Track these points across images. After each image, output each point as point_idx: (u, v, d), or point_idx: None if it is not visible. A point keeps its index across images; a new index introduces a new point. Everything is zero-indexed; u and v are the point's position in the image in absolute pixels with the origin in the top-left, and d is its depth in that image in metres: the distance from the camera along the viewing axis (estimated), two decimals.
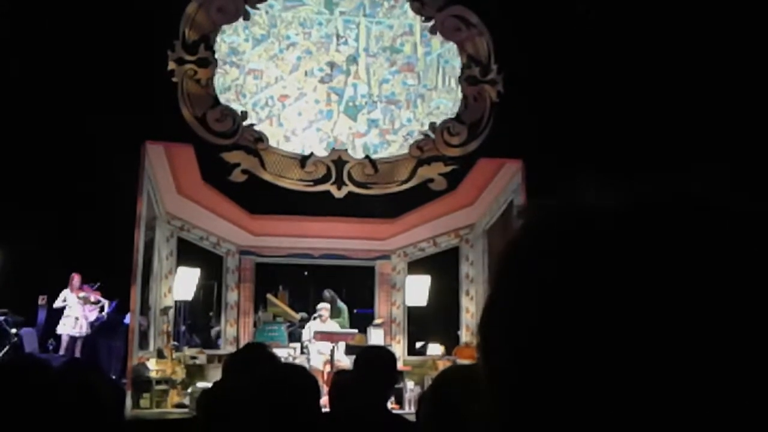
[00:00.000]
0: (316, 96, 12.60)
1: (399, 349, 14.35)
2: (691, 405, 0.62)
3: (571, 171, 9.41)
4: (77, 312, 12.91)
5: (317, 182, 12.30)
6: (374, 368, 4.47)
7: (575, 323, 0.65)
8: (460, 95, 12.83)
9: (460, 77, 12.86)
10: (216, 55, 12.26)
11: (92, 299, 13.12)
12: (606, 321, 0.64)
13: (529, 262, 0.71)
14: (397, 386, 11.73)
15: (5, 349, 12.09)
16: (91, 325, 13.06)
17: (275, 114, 12.39)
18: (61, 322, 12.86)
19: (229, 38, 12.44)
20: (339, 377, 5.13)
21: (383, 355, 4.75)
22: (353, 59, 12.79)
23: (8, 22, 11.03)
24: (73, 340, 12.88)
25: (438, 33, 12.96)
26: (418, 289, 14.80)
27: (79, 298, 12.97)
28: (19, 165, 10.91)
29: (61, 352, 12.68)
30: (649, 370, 0.62)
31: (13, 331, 12.42)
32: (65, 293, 12.93)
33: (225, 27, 12.43)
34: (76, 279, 12.96)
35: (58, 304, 12.92)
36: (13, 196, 11.04)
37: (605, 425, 0.63)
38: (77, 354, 12.67)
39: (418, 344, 14.88)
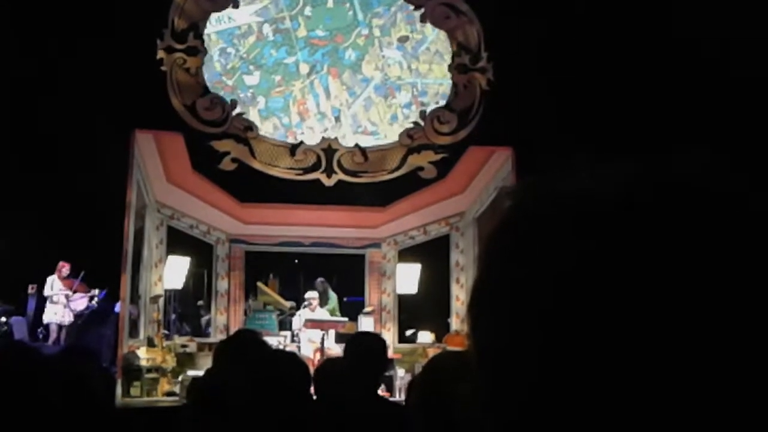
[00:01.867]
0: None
1: (389, 336, 14.35)
2: (678, 404, 0.62)
3: (561, 158, 9.39)
4: (63, 300, 12.88)
5: (307, 171, 12.29)
6: (365, 355, 4.47)
7: (565, 305, 0.65)
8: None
9: (450, 65, 12.84)
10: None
11: (75, 288, 13.06)
12: (597, 304, 0.63)
13: (517, 243, 0.71)
14: (387, 374, 11.75)
15: None
16: (82, 313, 13.03)
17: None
18: (47, 310, 12.83)
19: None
20: (327, 364, 5.13)
21: (373, 341, 4.75)
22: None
23: None
24: (59, 328, 12.85)
25: (428, 21, 12.94)
26: (408, 277, 14.81)
27: (63, 287, 12.93)
28: (9, 154, 10.87)
29: (50, 341, 12.66)
30: (635, 358, 0.62)
31: (3, 319, 12.41)
32: (52, 280, 12.88)
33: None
34: (65, 268, 12.92)
35: (47, 291, 12.88)
36: (2, 185, 11.00)
37: (594, 409, 0.63)
38: (62, 342, 12.65)
39: (409, 332, 14.89)
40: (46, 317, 12.83)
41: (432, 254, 14.92)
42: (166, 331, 12.99)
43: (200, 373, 8.17)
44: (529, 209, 0.72)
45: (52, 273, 12.89)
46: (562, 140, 10.79)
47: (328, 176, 12.29)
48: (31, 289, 13.03)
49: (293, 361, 3.80)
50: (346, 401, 4.24)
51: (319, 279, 14.61)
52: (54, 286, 12.89)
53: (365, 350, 4.51)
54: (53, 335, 12.78)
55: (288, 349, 11.47)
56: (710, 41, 11.35)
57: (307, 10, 12.74)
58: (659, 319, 0.62)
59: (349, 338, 5.31)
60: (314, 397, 4.68)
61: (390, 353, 12.89)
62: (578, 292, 0.64)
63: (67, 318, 12.88)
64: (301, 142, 12.29)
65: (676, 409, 0.62)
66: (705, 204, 0.66)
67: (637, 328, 0.62)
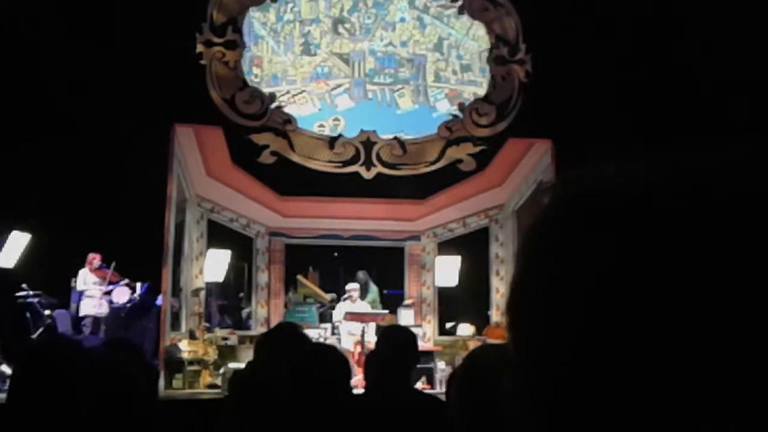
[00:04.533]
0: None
1: (429, 329, 14.38)
2: (714, 405, 0.61)
3: (601, 150, 9.35)
4: (99, 292, 12.96)
5: (346, 163, 12.30)
6: (395, 349, 4.46)
7: (603, 304, 0.64)
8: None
9: (488, 57, 12.80)
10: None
11: (109, 278, 13.11)
12: (634, 302, 0.63)
13: (554, 240, 0.70)
14: (427, 366, 11.76)
15: (39, 331, 12.19)
16: (124, 306, 13.12)
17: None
18: (84, 303, 12.90)
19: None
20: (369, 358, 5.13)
21: (404, 335, 4.73)
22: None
23: (38, 4, 11.09)
24: (96, 320, 12.92)
25: (466, 13, 12.91)
26: (448, 270, 14.79)
27: (99, 279, 13.01)
28: (51, 148, 10.97)
29: (86, 333, 12.74)
30: (674, 358, 0.62)
31: (47, 312, 12.50)
32: (84, 274, 12.96)
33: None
34: (96, 259, 12.98)
35: (80, 285, 12.95)
36: (46, 179, 11.12)
37: (632, 408, 0.63)
38: (101, 334, 12.74)
39: (449, 324, 14.87)
40: (83, 310, 12.88)
41: (471, 246, 14.89)
42: (208, 324, 13.06)
43: (241, 365, 8.22)
44: (567, 206, 0.72)
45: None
46: (602, 131, 10.73)
47: (367, 169, 12.30)
48: (74, 283, 13.13)
49: (333, 353, 3.81)
50: (384, 394, 4.25)
51: (361, 271, 14.63)
52: (87, 279, 12.96)
53: (395, 344, 4.50)
54: (90, 328, 12.85)
55: (328, 341, 11.50)
56: (753, 31, 11.21)
57: None
58: (696, 318, 0.62)
59: (379, 333, 5.30)
60: (358, 391, 4.69)
61: (430, 346, 12.93)
62: (616, 290, 0.64)
63: (104, 309, 12.96)
64: (340, 135, 12.30)
65: (712, 408, 0.61)
66: (743, 203, 0.64)
67: (675, 328, 0.62)
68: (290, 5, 12.62)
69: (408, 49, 12.85)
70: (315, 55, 12.62)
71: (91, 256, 12.92)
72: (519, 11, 12.75)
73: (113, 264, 13.02)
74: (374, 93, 12.68)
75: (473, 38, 12.95)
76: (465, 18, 12.94)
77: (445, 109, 12.73)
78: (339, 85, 12.60)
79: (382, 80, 12.75)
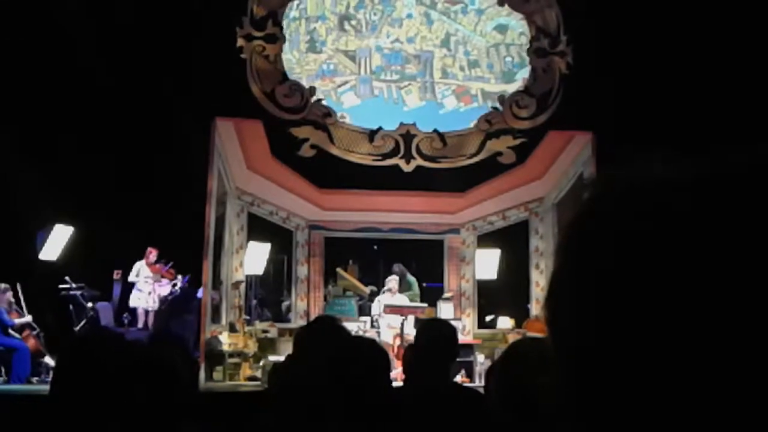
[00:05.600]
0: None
1: (469, 322, 14.36)
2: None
3: (642, 143, 9.28)
4: (150, 286, 13.11)
5: (386, 156, 12.30)
6: (434, 342, 4.45)
7: (646, 298, 0.64)
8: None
9: (528, 49, 12.73)
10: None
11: (163, 274, 13.25)
12: (675, 298, 0.62)
13: (594, 236, 0.70)
14: (467, 359, 11.74)
15: (82, 323, 12.33)
16: (165, 299, 13.24)
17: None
18: (134, 295, 13.06)
19: None
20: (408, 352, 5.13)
21: (443, 328, 4.72)
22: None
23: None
24: (146, 313, 13.08)
25: (506, 5, 12.84)
26: (487, 263, 14.77)
27: (153, 274, 13.15)
28: (94, 143, 11.06)
29: (140, 325, 12.90)
30: (718, 351, 0.61)
31: (90, 305, 12.63)
32: (140, 266, 13.10)
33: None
34: (152, 254, 13.13)
35: (132, 277, 13.11)
36: (88, 174, 11.22)
37: (678, 405, 0.62)
38: (149, 326, 12.88)
39: (488, 318, 14.86)
40: (133, 302, 13.05)
41: (511, 240, 14.86)
42: (248, 317, 13.13)
43: (281, 358, 8.26)
44: (607, 201, 0.71)
45: (136, 259, 13.11)
46: (643, 124, 10.65)
47: (407, 162, 12.29)
48: (116, 275, 13.26)
49: (373, 346, 3.81)
50: (421, 388, 4.25)
51: (397, 264, 14.64)
52: (141, 272, 13.10)
53: (435, 337, 4.49)
54: (141, 319, 13.00)
55: (367, 334, 11.52)
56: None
57: None
58: (746, 312, 0.61)
59: (419, 326, 5.29)
60: (397, 384, 4.70)
61: (469, 339, 12.91)
62: (656, 286, 0.63)
63: (153, 303, 13.09)
64: (380, 128, 12.30)
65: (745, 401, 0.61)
66: None
67: (718, 320, 0.61)
68: (296, 2, 12.56)
69: (415, 45, 12.77)
70: (321, 52, 12.56)
71: (148, 250, 13.09)
72: (560, 3, 12.68)
73: (170, 263, 13.17)
74: (381, 90, 12.62)
75: (481, 34, 12.86)
76: (472, 14, 12.87)
77: (452, 105, 12.67)
78: (345, 83, 12.55)
79: (389, 77, 12.68)
